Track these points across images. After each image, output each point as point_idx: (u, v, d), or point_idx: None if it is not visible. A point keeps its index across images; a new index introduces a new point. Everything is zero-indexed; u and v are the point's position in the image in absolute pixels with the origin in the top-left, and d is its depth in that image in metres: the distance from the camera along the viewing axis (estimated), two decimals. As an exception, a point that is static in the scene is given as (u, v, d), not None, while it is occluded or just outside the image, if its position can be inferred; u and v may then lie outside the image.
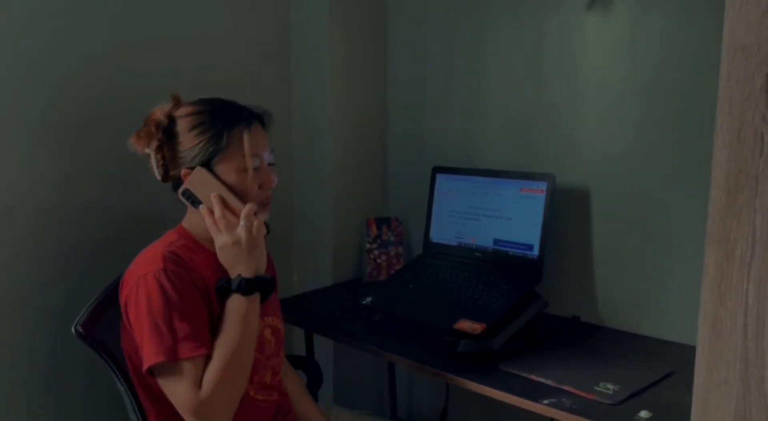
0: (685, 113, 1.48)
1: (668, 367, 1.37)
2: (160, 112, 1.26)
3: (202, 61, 1.77)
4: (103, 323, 1.30)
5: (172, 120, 1.26)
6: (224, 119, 1.25)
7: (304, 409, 1.48)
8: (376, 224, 2.00)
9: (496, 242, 1.69)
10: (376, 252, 2.00)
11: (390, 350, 1.51)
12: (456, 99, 1.89)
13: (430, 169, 1.85)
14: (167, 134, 1.25)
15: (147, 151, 1.26)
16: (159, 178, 1.27)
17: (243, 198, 1.25)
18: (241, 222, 1.22)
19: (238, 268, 1.22)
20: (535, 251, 1.61)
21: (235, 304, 1.21)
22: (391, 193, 2.11)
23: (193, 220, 1.29)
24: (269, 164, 1.31)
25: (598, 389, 1.27)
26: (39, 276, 1.53)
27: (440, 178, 1.83)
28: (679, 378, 1.32)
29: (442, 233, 1.81)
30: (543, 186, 1.60)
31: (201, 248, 1.28)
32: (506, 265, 1.65)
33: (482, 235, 1.72)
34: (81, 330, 1.27)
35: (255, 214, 1.24)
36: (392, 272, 1.97)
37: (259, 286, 1.23)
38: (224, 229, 1.22)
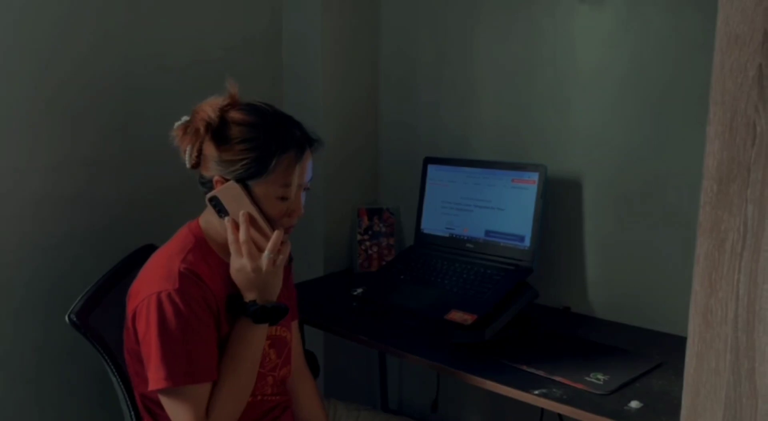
0: (677, 103, 1.48)
1: (659, 357, 1.38)
2: (210, 109, 1.16)
3: (193, 50, 1.75)
4: (97, 313, 1.29)
5: (222, 121, 1.16)
6: (277, 142, 1.16)
7: (314, 415, 1.43)
8: (367, 215, 2.00)
9: (487, 232, 1.69)
10: (367, 243, 1.99)
11: (381, 340, 1.51)
12: (448, 90, 1.88)
13: (422, 160, 1.84)
14: (213, 135, 1.16)
15: (188, 148, 1.17)
16: (188, 166, 1.20)
17: (271, 222, 1.19)
18: (267, 253, 1.17)
19: (253, 294, 1.18)
20: (527, 242, 1.61)
21: (245, 330, 1.19)
22: (382, 184, 2.10)
23: (212, 221, 1.22)
24: (305, 189, 1.24)
25: (589, 379, 1.28)
26: (27, 266, 1.52)
27: (432, 168, 1.82)
28: (670, 368, 1.33)
29: (434, 223, 1.81)
30: (535, 177, 1.60)
31: (214, 256, 1.22)
32: (498, 256, 1.65)
33: (474, 226, 1.72)
34: (75, 319, 1.25)
35: (282, 243, 1.19)
36: (383, 262, 1.96)
37: (271, 315, 1.20)
38: (246, 254, 1.16)
